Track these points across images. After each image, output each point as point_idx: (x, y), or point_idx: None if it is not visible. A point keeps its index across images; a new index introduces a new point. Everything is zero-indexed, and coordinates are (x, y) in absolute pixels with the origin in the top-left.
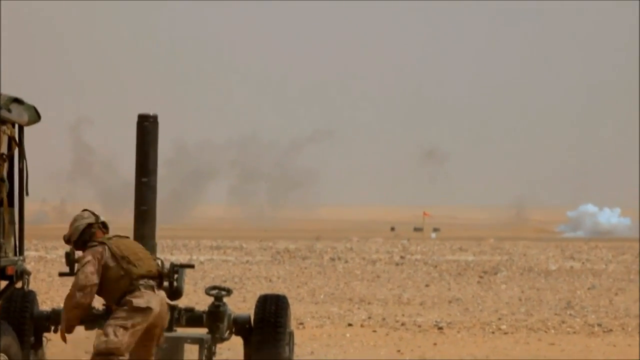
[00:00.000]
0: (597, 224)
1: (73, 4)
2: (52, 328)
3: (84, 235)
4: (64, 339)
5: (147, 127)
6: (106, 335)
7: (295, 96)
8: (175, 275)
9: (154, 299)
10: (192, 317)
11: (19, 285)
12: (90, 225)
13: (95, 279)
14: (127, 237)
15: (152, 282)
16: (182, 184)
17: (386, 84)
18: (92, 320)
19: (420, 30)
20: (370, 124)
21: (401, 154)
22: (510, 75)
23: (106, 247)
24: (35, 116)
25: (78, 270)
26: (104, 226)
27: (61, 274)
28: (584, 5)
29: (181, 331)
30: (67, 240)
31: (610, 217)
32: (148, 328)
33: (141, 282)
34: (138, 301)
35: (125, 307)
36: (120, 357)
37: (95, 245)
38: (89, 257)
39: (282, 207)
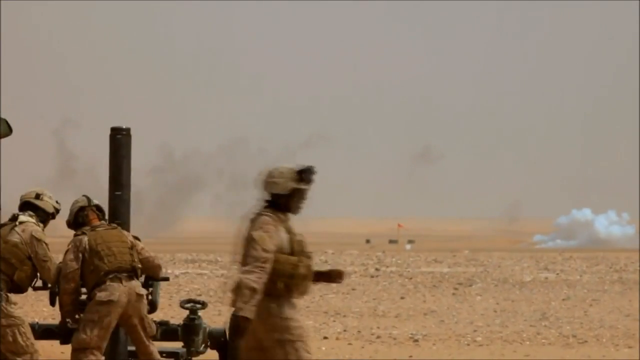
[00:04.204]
0: (594, 233)
1: (63, 5)
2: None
3: (78, 218)
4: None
5: (120, 140)
6: (78, 331)
7: (287, 102)
8: (150, 289)
9: (117, 291)
10: (167, 331)
11: None
12: (82, 208)
13: (75, 265)
14: (115, 228)
15: (121, 275)
16: (169, 194)
17: (381, 90)
18: (68, 334)
19: (419, 37)
20: (355, 134)
21: (387, 164)
22: (509, 82)
23: (85, 239)
24: (7, 129)
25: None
26: (98, 209)
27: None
28: (584, 14)
29: (156, 345)
30: (67, 223)
31: (611, 226)
32: (123, 319)
33: (109, 276)
34: (101, 295)
35: (92, 301)
36: (93, 351)
37: (78, 235)
38: (70, 245)
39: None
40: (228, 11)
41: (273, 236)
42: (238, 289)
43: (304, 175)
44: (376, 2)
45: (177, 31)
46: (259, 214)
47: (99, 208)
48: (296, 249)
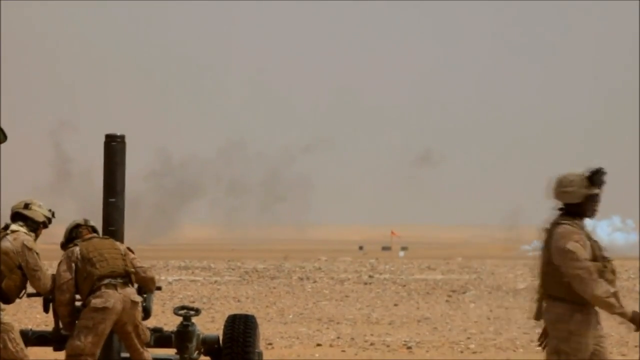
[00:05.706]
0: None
1: (60, 7)
2: None
3: (72, 233)
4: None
5: (114, 147)
6: (72, 337)
7: (286, 106)
8: (144, 296)
9: (112, 298)
10: (160, 338)
11: None
12: (78, 225)
13: (68, 275)
14: (107, 238)
15: (115, 281)
16: (166, 200)
17: (382, 94)
18: (61, 341)
19: (419, 41)
20: (354, 138)
21: (385, 170)
22: (511, 84)
23: (77, 249)
24: (2, 136)
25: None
26: (94, 230)
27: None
28: (582, 19)
29: (150, 352)
30: (61, 245)
31: (614, 232)
32: (118, 326)
33: (104, 282)
34: (96, 301)
35: (86, 308)
36: (87, 357)
37: (70, 247)
38: (62, 257)
39: (268, 227)
40: (225, 14)
41: (584, 245)
42: (602, 305)
43: (595, 179)
44: (378, 2)
45: (174, 35)
46: (558, 224)
47: (94, 229)
48: (597, 254)
